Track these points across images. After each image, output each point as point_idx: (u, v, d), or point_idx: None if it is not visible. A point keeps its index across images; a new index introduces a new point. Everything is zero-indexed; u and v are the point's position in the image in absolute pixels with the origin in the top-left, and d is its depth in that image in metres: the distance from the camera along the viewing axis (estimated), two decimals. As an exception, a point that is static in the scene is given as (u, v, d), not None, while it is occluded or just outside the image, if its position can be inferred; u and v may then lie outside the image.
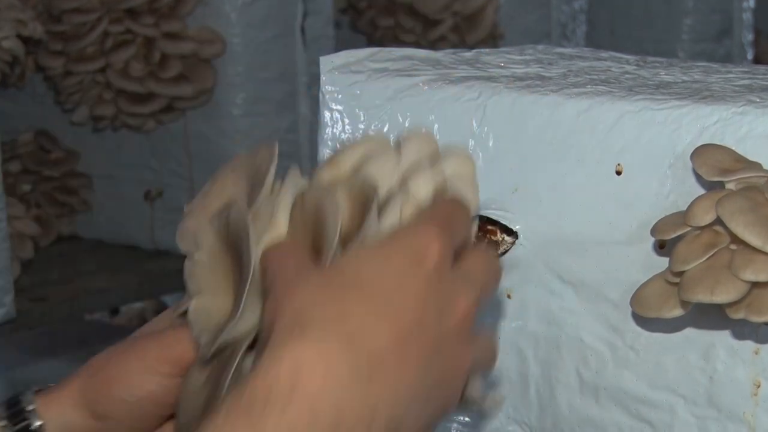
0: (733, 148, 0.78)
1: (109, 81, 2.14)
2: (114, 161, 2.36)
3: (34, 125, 2.37)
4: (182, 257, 2.39)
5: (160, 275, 2.37)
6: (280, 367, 0.65)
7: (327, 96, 0.95)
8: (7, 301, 2.02)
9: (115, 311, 3.49)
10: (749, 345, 0.79)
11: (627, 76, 0.91)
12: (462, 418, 0.90)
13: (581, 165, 0.84)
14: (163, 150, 2.29)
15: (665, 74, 0.91)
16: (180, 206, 2.55)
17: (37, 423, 0.84)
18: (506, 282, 0.87)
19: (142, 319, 3.45)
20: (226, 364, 0.73)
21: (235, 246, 0.75)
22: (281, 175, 0.78)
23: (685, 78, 0.89)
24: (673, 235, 0.76)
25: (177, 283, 2.56)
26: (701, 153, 0.78)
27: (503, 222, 0.87)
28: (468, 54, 0.99)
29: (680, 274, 0.75)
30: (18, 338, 2.80)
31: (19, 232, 2.15)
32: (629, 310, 0.81)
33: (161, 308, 3.49)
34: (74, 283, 2.29)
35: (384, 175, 0.73)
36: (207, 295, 0.78)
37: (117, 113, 2.20)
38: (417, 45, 2.27)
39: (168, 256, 2.38)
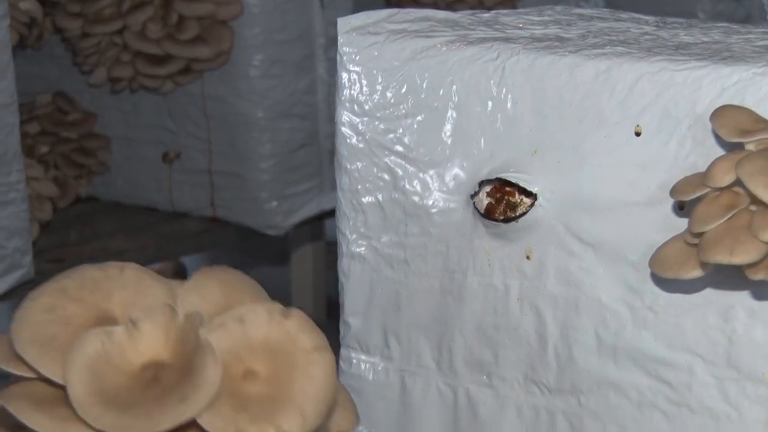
0: (753, 108, 0.78)
1: (126, 42, 2.14)
2: (132, 123, 2.36)
3: (52, 87, 2.37)
4: (200, 218, 2.39)
5: (178, 236, 2.37)
6: None
7: (345, 57, 0.94)
8: (25, 262, 2.03)
9: (133, 272, 3.49)
10: (768, 306, 0.79)
11: (646, 37, 0.90)
12: (480, 378, 0.90)
13: (600, 126, 0.83)
14: (180, 112, 2.29)
15: (685, 35, 0.91)
16: (198, 168, 2.57)
17: None
18: (525, 243, 0.87)
19: (160, 280, 3.45)
20: None
21: None
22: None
23: (704, 39, 0.89)
24: (693, 196, 0.76)
25: (195, 245, 2.58)
26: (721, 114, 0.77)
27: (522, 184, 0.87)
28: (486, 15, 0.99)
29: (699, 235, 0.75)
30: (37, 299, 2.81)
31: (38, 193, 2.16)
32: (648, 271, 0.81)
33: (179, 269, 3.50)
34: (92, 244, 2.29)
35: None
36: None
37: (134, 75, 2.20)
38: (435, 6, 2.27)
39: (186, 218, 2.38)
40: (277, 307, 0.69)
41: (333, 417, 0.73)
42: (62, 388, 0.66)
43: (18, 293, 2.06)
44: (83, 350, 0.65)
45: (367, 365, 0.97)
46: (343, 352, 0.98)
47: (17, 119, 1.97)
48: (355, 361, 0.97)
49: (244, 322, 0.68)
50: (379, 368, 0.96)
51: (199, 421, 0.64)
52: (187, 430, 0.66)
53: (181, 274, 3.49)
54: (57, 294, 0.69)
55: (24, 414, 0.65)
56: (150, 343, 0.67)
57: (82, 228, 2.33)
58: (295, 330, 0.69)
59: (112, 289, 0.70)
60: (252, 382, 0.67)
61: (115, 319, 0.68)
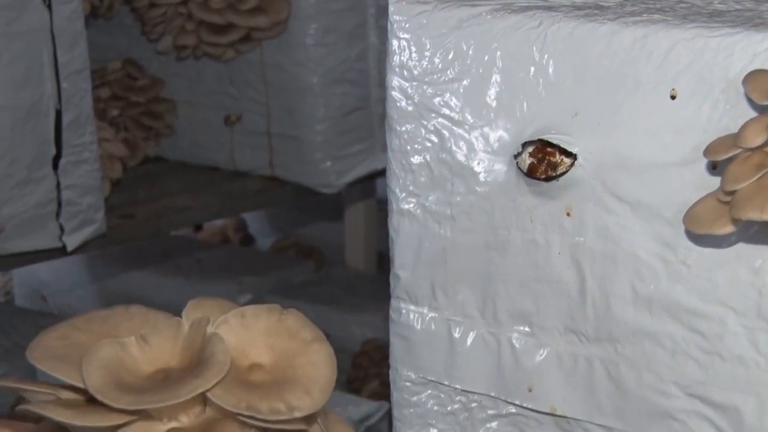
0: (784, 73, 0.76)
1: (191, 12, 2.14)
2: (195, 88, 2.36)
3: (122, 54, 2.38)
4: (260, 177, 2.40)
5: (239, 195, 2.38)
6: None
7: (395, 25, 0.94)
8: (98, 217, 2.04)
9: (198, 228, 3.52)
10: (796, 260, 0.78)
11: (681, 5, 0.89)
12: (522, 328, 0.90)
13: (637, 90, 0.82)
14: (241, 78, 2.29)
15: (718, 3, 0.89)
16: (257, 130, 2.57)
17: None
18: (566, 200, 0.86)
19: (224, 235, 3.47)
20: None
21: None
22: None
23: (737, 7, 0.87)
24: (725, 156, 0.75)
25: (254, 203, 2.59)
26: (753, 78, 0.76)
27: (562, 145, 0.86)
28: (529, -15, 0.98)
29: (731, 193, 0.74)
30: (108, 252, 2.83)
31: (109, 153, 2.17)
32: (682, 227, 0.80)
33: (241, 225, 3.51)
34: (159, 201, 2.30)
35: None
36: None
37: (198, 43, 2.21)
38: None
39: (246, 177, 2.39)
40: (277, 306, 0.69)
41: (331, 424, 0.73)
42: (81, 392, 0.66)
43: (91, 246, 2.07)
44: (99, 354, 0.65)
45: (416, 315, 0.96)
46: (393, 303, 0.98)
47: (89, 84, 1.97)
48: (404, 311, 0.97)
49: (246, 319, 0.68)
50: (427, 318, 0.96)
51: (211, 397, 0.64)
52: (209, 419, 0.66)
53: (242, 229, 3.50)
54: (68, 328, 0.69)
55: (46, 410, 0.65)
56: (159, 353, 0.67)
57: (150, 186, 2.34)
58: (295, 325, 0.68)
59: (120, 322, 0.70)
60: (258, 373, 0.67)
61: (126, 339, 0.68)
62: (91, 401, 0.65)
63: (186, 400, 0.64)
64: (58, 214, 1.99)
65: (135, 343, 0.67)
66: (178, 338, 0.68)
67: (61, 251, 2.03)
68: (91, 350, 0.65)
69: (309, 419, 0.67)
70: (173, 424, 0.65)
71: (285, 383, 0.66)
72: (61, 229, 2.00)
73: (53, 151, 1.96)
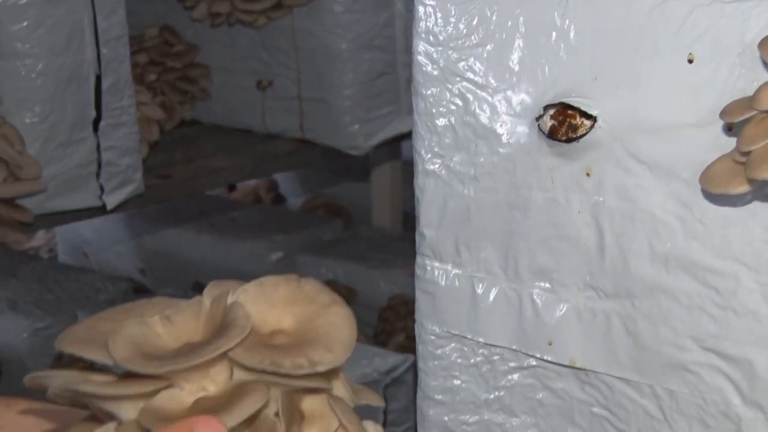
0: (799, 38, 0.75)
1: (224, -19, 2.13)
2: (229, 54, 2.36)
3: (159, 21, 2.38)
4: (290, 140, 2.39)
5: (271, 156, 2.38)
6: None
7: (422, -8, 0.93)
8: (136, 177, 2.05)
9: (232, 188, 3.52)
10: (809, 219, 0.77)
11: (699, -28, 0.88)
12: (542, 284, 0.90)
13: (656, 55, 0.81)
14: (272, 44, 2.29)
15: (735, -30, 0.88)
16: (288, 95, 2.57)
17: None
18: (585, 161, 0.85)
19: (256, 195, 3.47)
20: None
21: None
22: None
23: (753, -27, 0.86)
24: (741, 118, 0.74)
25: (285, 164, 2.59)
26: (768, 43, 0.75)
27: (582, 107, 0.85)
28: (551, -47, 0.97)
29: (747, 153, 0.73)
30: (146, 211, 2.84)
31: (147, 116, 2.17)
32: (698, 187, 0.79)
33: (272, 185, 3.51)
34: (195, 162, 2.31)
35: None
36: None
37: (232, 10, 2.20)
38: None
39: (278, 139, 2.39)
40: (294, 275, 0.69)
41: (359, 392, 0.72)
42: (110, 375, 0.66)
43: (130, 205, 2.08)
44: (125, 331, 0.65)
45: (440, 272, 0.96)
46: (418, 260, 0.98)
47: (128, 50, 1.97)
48: (429, 268, 0.97)
49: (265, 287, 0.67)
50: (451, 274, 0.95)
51: (234, 356, 0.63)
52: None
53: (274, 189, 3.51)
54: (93, 320, 0.68)
55: (76, 384, 0.64)
56: (183, 330, 0.66)
57: (186, 148, 2.34)
58: (313, 291, 0.67)
59: (143, 310, 0.69)
60: (279, 337, 0.66)
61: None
62: (120, 379, 0.65)
63: (212, 368, 0.63)
64: (98, 175, 2.00)
65: (159, 322, 0.66)
66: (201, 315, 0.67)
67: (101, 210, 2.04)
68: (117, 330, 0.65)
69: (331, 375, 0.66)
70: (200, 394, 0.65)
71: (306, 343, 0.65)
72: (101, 188, 2.01)
73: (93, 114, 1.96)
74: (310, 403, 0.68)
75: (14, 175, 1.86)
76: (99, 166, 1.97)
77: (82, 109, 1.92)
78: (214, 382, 0.65)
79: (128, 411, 0.64)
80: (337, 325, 0.67)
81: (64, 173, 1.94)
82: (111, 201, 2.01)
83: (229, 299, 0.67)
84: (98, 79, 1.91)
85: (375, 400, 0.73)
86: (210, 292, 0.69)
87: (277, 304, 0.67)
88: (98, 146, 1.95)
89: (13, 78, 1.86)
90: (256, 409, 0.63)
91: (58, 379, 0.67)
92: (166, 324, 0.66)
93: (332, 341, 0.66)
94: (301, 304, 0.67)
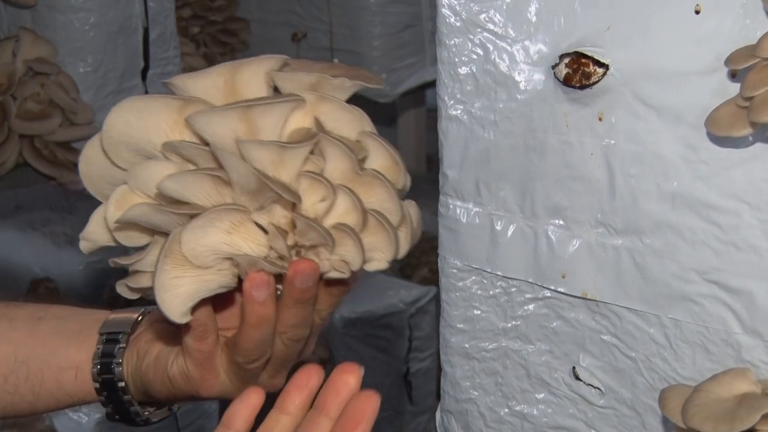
0: (800, -10, 0.74)
1: (261, -60, 2.12)
2: (266, 8, 2.35)
3: (200, -22, 2.36)
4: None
5: (305, 103, 2.37)
6: None
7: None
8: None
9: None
10: (807, 161, 0.76)
11: (706, -72, 0.86)
12: (557, 221, 0.89)
13: (665, 6, 0.80)
14: (306, -1, 2.27)
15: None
16: (321, 46, 2.54)
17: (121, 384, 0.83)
18: (598, 106, 0.84)
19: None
20: None
21: None
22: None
23: (758, -71, 0.84)
24: (744, 66, 0.73)
25: (319, 110, 2.56)
26: (771, -6, 0.74)
27: (596, 56, 0.84)
28: None
29: (750, 98, 0.72)
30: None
31: (190, 66, 2.16)
32: (704, 130, 0.78)
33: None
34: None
35: None
36: None
37: (269, -33, 2.18)
38: None
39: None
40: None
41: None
42: None
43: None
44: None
45: (462, 210, 0.95)
46: (441, 199, 0.97)
47: (173, 4, 1.96)
48: (451, 206, 0.96)
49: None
50: (472, 212, 0.95)
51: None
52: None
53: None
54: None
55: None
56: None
57: (226, 96, 2.33)
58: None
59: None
60: None
61: None
62: None
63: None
64: (146, 120, 1.99)
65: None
66: None
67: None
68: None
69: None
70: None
71: None
72: (149, 133, 2.00)
73: (142, 63, 1.95)
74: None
75: (70, 120, 1.86)
76: (147, 112, 1.97)
77: (131, 59, 1.91)
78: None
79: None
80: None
81: (114, 119, 1.94)
82: (158, 144, 2.00)
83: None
84: (146, 31, 1.91)
85: (372, 81, 0.75)
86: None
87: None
88: (146, 93, 1.95)
89: (68, 30, 1.86)
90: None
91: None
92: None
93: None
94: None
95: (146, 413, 0.85)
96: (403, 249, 0.75)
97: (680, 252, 0.82)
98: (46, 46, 1.85)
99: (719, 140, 0.78)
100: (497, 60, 0.90)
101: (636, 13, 0.82)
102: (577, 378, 0.91)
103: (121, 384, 0.82)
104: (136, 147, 0.72)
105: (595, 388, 0.90)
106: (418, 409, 2.29)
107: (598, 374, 0.89)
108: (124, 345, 0.83)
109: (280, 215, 0.71)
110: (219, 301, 0.77)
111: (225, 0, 2.33)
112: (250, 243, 0.70)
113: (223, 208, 0.69)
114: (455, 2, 0.91)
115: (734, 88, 0.76)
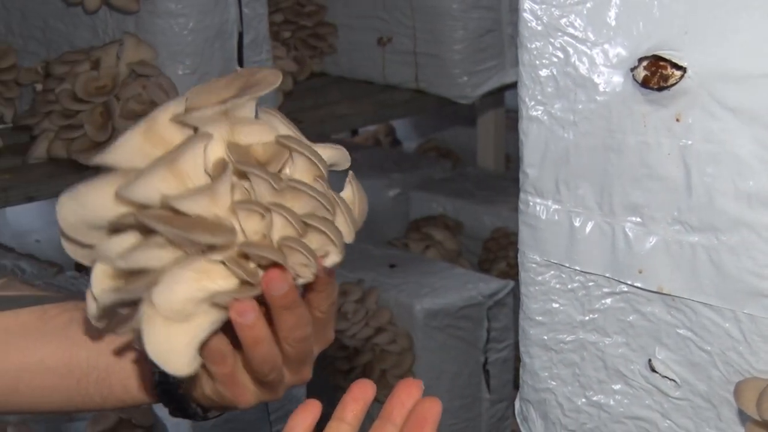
0: None
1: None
2: (353, 13, 2.35)
3: (292, -15, 2.37)
4: (407, 90, 2.38)
5: (389, 104, 2.38)
6: None
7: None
8: (273, 123, 2.05)
9: (354, 132, 3.53)
10: None
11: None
12: (634, 218, 0.88)
13: (742, 9, 0.78)
14: (391, 4, 2.28)
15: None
16: (405, 50, 2.54)
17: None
18: (675, 107, 0.83)
19: (376, 139, 3.47)
20: None
21: None
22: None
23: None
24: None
25: (402, 111, 2.58)
26: None
27: (674, 59, 0.83)
28: None
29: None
30: (281, 152, 2.86)
31: (282, 69, 2.17)
32: (780, 131, 0.76)
33: (390, 130, 3.51)
34: (323, 109, 2.31)
35: None
36: None
37: (357, -26, 2.19)
38: None
39: (395, 89, 2.38)
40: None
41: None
42: None
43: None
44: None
45: (542, 207, 0.95)
46: (522, 196, 0.96)
47: (266, 10, 1.98)
48: (531, 203, 0.95)
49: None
50: (551, 209, 0.94)
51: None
52: None
53: (391, 134, 3.50)
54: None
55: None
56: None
57: (315, 97, 2.35)
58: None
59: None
60: None
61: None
62: None
63: None
64: (240, 120, 2.01)
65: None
66: None
67: (243, 151, 2.05)
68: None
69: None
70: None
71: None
72: (243, 132, 2.02)
73: (236, 66, 1.97)
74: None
75: (168, 120, 1.88)
76: (240, 112, 1.98)
77: (227, 62, 1.93)
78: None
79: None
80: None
81: (210, 119, 1.96)
82: (251, 143, 2.02)
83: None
84: (240, 35, 1.92)
85: (270, 81, 0.74)
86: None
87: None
88: (240, 95, 1.97)
89: (167, 34, 1.88)
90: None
91: None
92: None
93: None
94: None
95: (207, 413, 0.85)
96: (348, 234, 0.75)
97: (755, 249, 0.80)
98: (147, 49, 1.88)
99: (795, 141, 0.77)
100: (577, 63, 0.89)
101: (713, 17, 0.80)
102: (653, 370, 0.90)
103: (180, 391, 0.83)
104: (94, 225, 0.71)
105: (670, 380, 0.89)
106: (496, 398, 2.28)
107: (674, 367, 0.88)
108: None
109: (230, 251, 0.70)
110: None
111: (315, 6, 2.34)
112: (218, 281, 0.70)
113: (179, 264, 0.68)
114: (537, 7, 0.91)
115: (811, 90, 0.74)
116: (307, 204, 0.72)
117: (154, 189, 0.68)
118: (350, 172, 0.79)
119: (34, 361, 0.83)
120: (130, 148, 0.70)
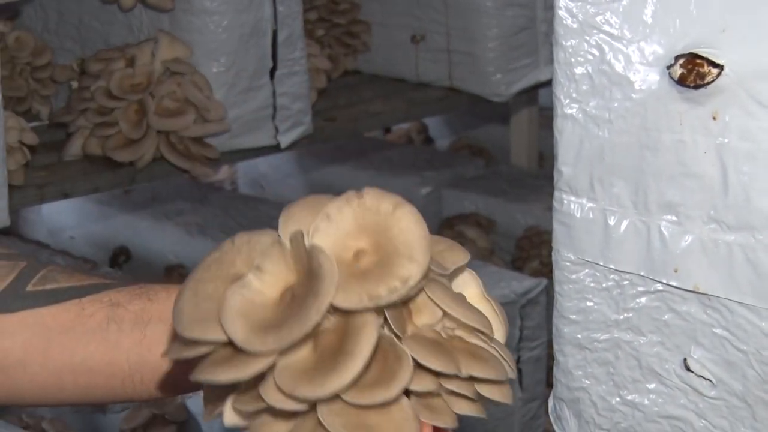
0: None
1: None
2: (386, 11, 2.35)
3: (326, -17, 2.38)
4: (440, 88, 2.38)
5: (422, 102, 2.38)
6: None
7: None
8: (306, 120, 2.06)
9: (387, 130, 3.53)
10: None
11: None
12: (670, 217, 0.87)
13: (781, 8, 0.78)
14: (425, 2, 2.27)
15: None
16: (439, 47, 2.54)
17: None
18: (712, 105, 0.82)
19: (408, 136, 3.47)
20: None
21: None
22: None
23: None
24: None
25: (435, 109, 2.58)
26: None
27: (710, 57, 0.82)
28: None
29: None
30: (315, 150, 2.87)
31: (316, 66, 2.18)
32: (818, 130, 0.76)
33: (422, 128, 3.51)
34: (357, 107, 2.31)
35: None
36: None
37: (390, -28, 2.19)
38: None
39: (428, 87, 2.38)
40: (351, 193, 0.65)
41: (445, 256, 0.69)
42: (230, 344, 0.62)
43: (300, 144, 2.09)
44: (229, 305, 0.62)
45: (576, 205, 0.94)
46: (556, 194, 0.96)
47: (300, 8, 1.98)
48: (566, 201, 0.95)
49: (332, 219, 0.64)
50: (586, 207, 0.94)
51: (336, 304, 0.61)
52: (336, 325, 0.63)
53: (424, 132, 3.50)
54: (193, 283, 0.66)
55: (204, 375, 0.62)
56: (277, 276, 0.64)
57: (348, 94, 2.35)
58: (373, 202, 0.64)
59: (232, 259, 0.66)
60: (364, 258, 0.63)
61: (245, 275, 0.64)
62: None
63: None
64: (273, 117, 2.02)
65: (254, 278, 0.63)
66: (286, 256, 0.64)
67: (276, 148, 2.06)
68: (223, 305, 0.62)
69: (423, 279, 0.63)
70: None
71: (388, 257, 0.62)
72: (276, 129, 2.03)
73: (270, 64, 1.98)
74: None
75: (203, 117, 1.89)
76: (274, 109, 1.99)
77: (261, 59, 1.94)
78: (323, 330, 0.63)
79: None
80: (407, 229, 0.63)
81: (244, 116, 1.97)
82: (284, 140, 2.03)
83: (307, 241, 0.63)
84: (274, 33, 1.93)
85: (461, 258, 0.70)
86: (285, 229, 0.65)
87: (348, 228, 0.64)
88: (274, 92, 1.97)
89: (202, 32, 1.89)
90: (375, 341, 0.61)
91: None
92: (260, 276, 0.64)
93: (410, 248, 0.62)
94: (369, 218, 0.64)
95: None
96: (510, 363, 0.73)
97: (793, 249, 0.80)
98: (182, 47, 1.89)
99: (834, 139, 0.76)
100: (613, 60, 0.89)
101: (751, 15, 0.80)
102: (689, 369, 0.89)
103: None
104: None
105: (706, 379, 0.88)
106: (529, 396, 2.28)
107: (710, 366, 0.88)
108: None
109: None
110: None
111: (349, 4, 2.35)
112: None
113: None
114: (572, 5, 0.90)
115: None
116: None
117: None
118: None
119: (77, 362, 0.83)
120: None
